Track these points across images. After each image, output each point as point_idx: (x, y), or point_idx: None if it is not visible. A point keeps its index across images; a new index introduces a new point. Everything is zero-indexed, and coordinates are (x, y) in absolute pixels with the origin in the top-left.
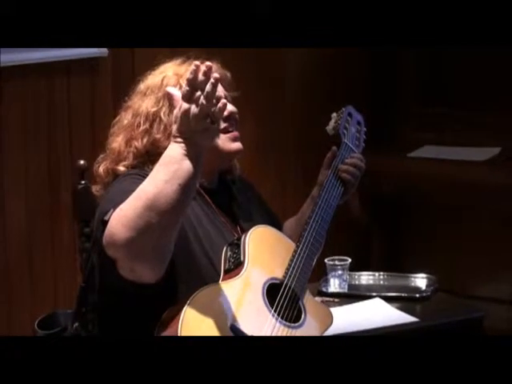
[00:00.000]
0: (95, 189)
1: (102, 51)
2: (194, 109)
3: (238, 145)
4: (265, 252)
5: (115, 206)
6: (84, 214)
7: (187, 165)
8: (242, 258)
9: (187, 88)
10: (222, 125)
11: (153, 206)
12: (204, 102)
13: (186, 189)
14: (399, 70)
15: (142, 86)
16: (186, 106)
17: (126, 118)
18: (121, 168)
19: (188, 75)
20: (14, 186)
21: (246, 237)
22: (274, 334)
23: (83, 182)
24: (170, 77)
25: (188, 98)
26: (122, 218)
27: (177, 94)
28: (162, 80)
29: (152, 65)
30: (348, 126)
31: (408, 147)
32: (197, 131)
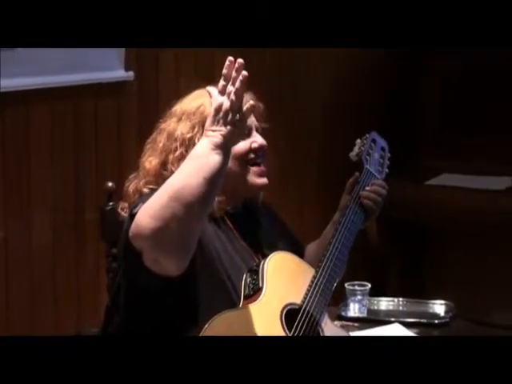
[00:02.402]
0: (122, 206)
1: (129, 75)
2: (226, 102)
3: (263, 180)
4: (284, 278)
5: (144, 202)
6: (111, 235)
7: (213, 160)
8: (260, 284)
9: (222, 82)
10: (251, 155)
11: (178, 197)
12: (233, 97)
13: (211, 183)
14: (418, 97)
15: (178, 110)
16: (219, 99)
17: (160, 140)
18: (146, 190)
19: (223, 70)
20: (40, 207)
21: (264, 263)
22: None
23: (111, 203)
24: (207, 105)
25: (222, 91)
26: (148, 210)
27: (215, 91)
28: (199, 107)
29: (177, 88)
30: (371, 152)
31: (426, 175)
32: (225, 125)
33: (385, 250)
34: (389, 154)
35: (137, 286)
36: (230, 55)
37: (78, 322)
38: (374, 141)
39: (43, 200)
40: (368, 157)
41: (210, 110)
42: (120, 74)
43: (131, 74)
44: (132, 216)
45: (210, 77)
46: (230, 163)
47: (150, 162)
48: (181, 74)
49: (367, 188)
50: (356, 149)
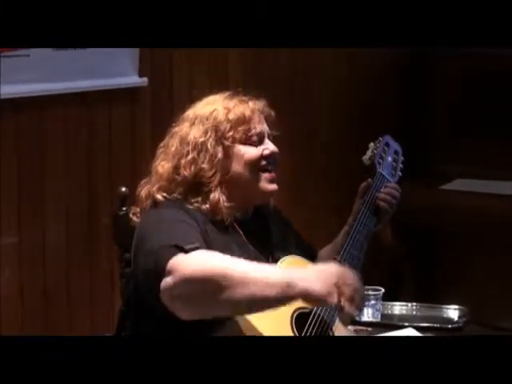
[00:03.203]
0: (134, 211)
1: (143, 80)
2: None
3: (273, 186)
4: None
5: (175, 251)
6: (124, 240)
7: (281, 300)
8: None
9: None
10: (263, 162)
11: (225, 301)
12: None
13: (259, 309)
14: (432, 101)
15: (190, 114)
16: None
17: (173, 144)
18: (159, 196)
19: None
20: (54, 211)
21: (275, 266)
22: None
23: (124, 208)
24: (220, 110)
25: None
26: (195, 291)
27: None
28: (212, 112)
29: (191, 94)
30: (384, 156)
31: (440, 180)
32: (325, 299)
33: (398, 254)
34: (402, 158)
35: (149, 306)
36: (243, 59)
37: (92, 326)
38: (387, 144)
39: (57, 205)
40: (381, 160)
41: (221, 116)
42: (134, 80)
43: (145, 80)
44: (164, 262)
45: (223, 82)
46: (242, 169)
47: (162, 166)
48: (195, 81)
49: (382, 190)
50: (369, 152)
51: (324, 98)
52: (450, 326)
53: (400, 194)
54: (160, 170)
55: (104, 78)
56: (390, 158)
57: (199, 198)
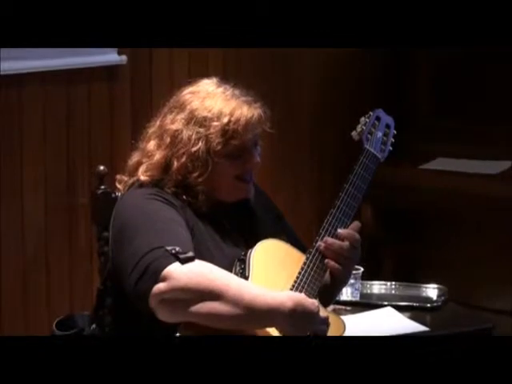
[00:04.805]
0: (120, 179)
1: (122, 58)
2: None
3: (247, 194)
4: (271, 265)
5: (171, 258)
6: (103, 219)
7: (260, 327)
8: (246, 274)
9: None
10: (243, 175)
11: (212, 315)
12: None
13: (236, 327)
14: (413, 82)
15: (187, 108)
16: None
17: (167, 136)
18: (145, 178)
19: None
20: (32, 190)
21: (251, 252)
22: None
23: (102, 187)
24: (216, 120)
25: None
26: (186, 302)
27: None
28: (208, 119)
29: (170, 72)
30: (374, 131)
31: (420, 159)
32: (304, 327)
33: (378, 233)
34: (394, 131)
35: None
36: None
37: (70, 304)
38: (378, 118)
39: (35, 183)
40: (369, 136)
41: (221, 122)
42: (113, 58)
43: (124, 58)
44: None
45: (203, 58)
46: (224, 180)
47: (153, 152)
48: (174, 59)
49: (329, 242)
50: (358, 127)
51: (306, 78)
52: (428, 305)
53: (355, 244)
54: (152, 154)
55: (83, 56)
56: (379, 133)
57: (183, 190)
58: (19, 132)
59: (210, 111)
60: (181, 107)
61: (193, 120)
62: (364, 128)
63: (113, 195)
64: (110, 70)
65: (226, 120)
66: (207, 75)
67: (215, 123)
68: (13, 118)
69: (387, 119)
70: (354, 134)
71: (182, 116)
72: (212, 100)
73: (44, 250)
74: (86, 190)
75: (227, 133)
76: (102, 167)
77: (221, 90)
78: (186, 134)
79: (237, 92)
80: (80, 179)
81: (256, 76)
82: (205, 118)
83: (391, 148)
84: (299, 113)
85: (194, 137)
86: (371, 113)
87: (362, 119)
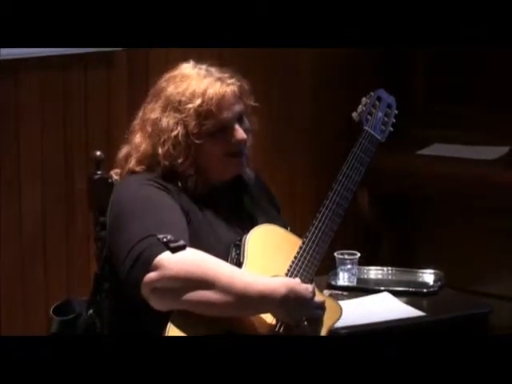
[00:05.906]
0: (115, 171)
1: None
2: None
3: (239, 169)
4: (267, 250)
5: (162, 247)
6: (100, 204)
7: (252, 313)
8: (241, 259)
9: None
10: (230, 150)
11: (203, 303)
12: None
13: (229, 315)
14: (409, 67)
15: (162, 95)
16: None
17: (147, 123)
18: (137, 168)
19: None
20: (30, 175)
21: (246, 237)
22: (277, 331)
23: (99, 172)
24: (189, 100)
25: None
26: (178, 291)
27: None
28: (182, 102)
29: (167, 58)
30: (374, 112)
31: (417, 145)
32: (298, 318)
33: (375, 218)
34: (396, 112)
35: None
36: None
37: (67, 289)
38: (379, 98)
39: (33, 169)
40: (369, 116)
41: (194, 105)
42: None
43: None
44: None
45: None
46: (210, 160)
47: (139, 144)
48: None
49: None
50: (359, 108)
51: (303, 60)
52: (425, 290)
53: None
54: (138, 146)
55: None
56: (380, 114)
57: (174, 177)
58: (16, 118)
59: (183, 95)
60: (159, 95)
61: (169, 106)
62: (364, 109)
63: (109, 181)
64: (107, 56)
65: (198, 101)
66: (204, 60)
67: (189, 106)
68: (9, 104)
69: (389, 99)
70: (354, 114)
71: (159, 104)
72: (185, 82)
73: (42, 236)
74: (84, 175)
75: (201, 114)
76: (98, 153)
77: (195, 70)
78: (164, 121)
79: (212, 69)
80: (77, 165)
81: (252, 58)
82: (179, 103)
83: (392, 129)
84: (297, 98)
85: (171, 122)
86: (372, 93)
87: (363, 100)
